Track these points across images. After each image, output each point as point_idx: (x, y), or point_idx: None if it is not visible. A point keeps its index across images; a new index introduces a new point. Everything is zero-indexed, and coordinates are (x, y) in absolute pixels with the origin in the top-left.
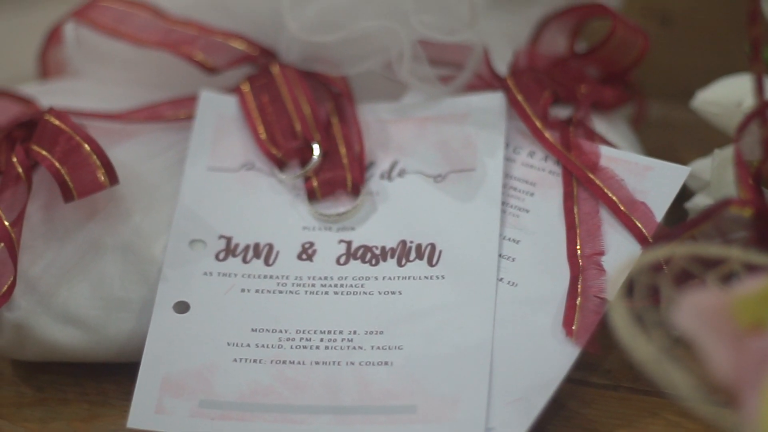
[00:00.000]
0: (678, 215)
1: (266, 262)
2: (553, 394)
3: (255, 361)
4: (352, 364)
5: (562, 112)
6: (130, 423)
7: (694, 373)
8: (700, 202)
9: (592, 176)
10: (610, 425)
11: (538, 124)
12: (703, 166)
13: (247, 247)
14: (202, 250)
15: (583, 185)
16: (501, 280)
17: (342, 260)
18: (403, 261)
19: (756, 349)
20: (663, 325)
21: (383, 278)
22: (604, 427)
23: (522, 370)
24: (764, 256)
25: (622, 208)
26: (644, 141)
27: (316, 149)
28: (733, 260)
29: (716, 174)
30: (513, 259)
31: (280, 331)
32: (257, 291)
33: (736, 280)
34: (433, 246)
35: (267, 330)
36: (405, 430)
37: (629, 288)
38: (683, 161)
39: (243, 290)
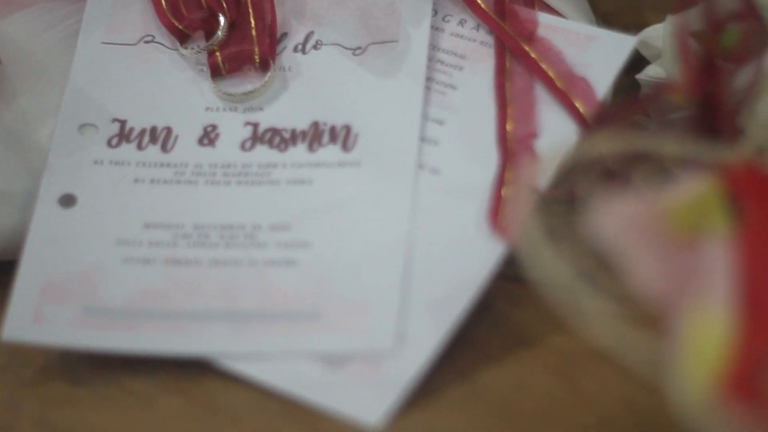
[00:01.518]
0: (631, 88)
1: (163, 148)
2: (476, 295)
3: (147, 261)
4: (254, 263)
5: None
6: (6, 335)
7: (613, 299)
8: (652, 73)
9: (527, 47)
10: (541, 330)
11: None
12: (656, 32)
13: (143, 132)
14: (93, 136)
15: (517, 58)
16: (422, 167)
17: (247, 145)
18: (315, 146)
19: (688, 262)
20: (581, 239)
21: (292, 165)
22: (535, 331)
23: (442, 269)
24: (706, 148)
25: (560, 84)
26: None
27: (222, 20)
28: (668, 155)
29: (669, 43)
30: (436, 143)
31: (176, 227)
32: (152, 181)
33: (671, 179)
34: (348, 128)
35: (161, 225)
36: (307, 339)
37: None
38: (646, 24)
39: (136, 180)
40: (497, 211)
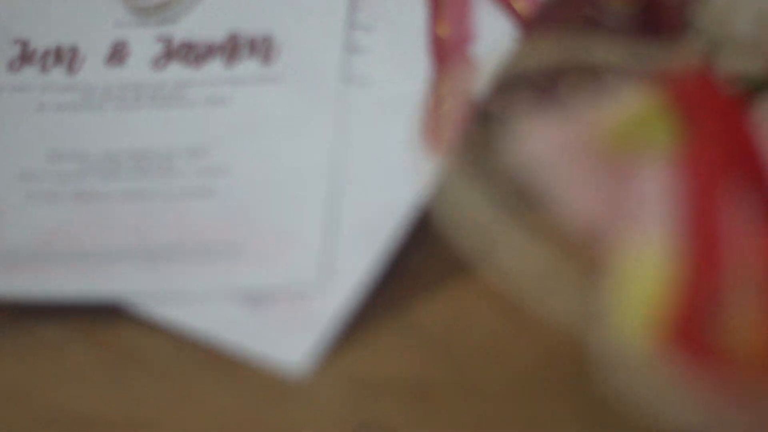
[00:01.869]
0: None
1: (69, 70)
2: (410, 219)
3: (53, 196)
4: (169, 194)
5: None
6: None
7: (537, 238)
8: None
9: None
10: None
11: None
12: None
13: (46, 53)
14: None
15: None
16: (349, 79)
17: (160, 63)
18: (233, 60)
19: (624, 188)
20: (505, 167)
21: (209, 83)
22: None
23: (372, 192)
24: (648, 52)
25: None
26: None
27: None
28: (604, 62)
29: None
30: (365, 52)
31: (84, 156)
32: (58, 107)
33: (607, 92)
34: (269, 40)
35: (68, 155)
36: (227, 276)
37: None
38: None
39: (41, 107)
40: (431, 126)
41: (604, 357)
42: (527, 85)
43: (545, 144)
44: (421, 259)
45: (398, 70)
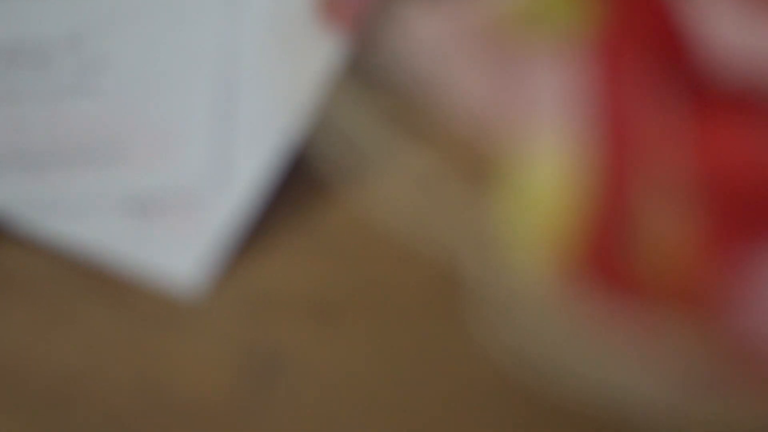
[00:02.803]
0: None
1: None
2: (314, 110)
3: None
4: (43, 92)
5: None
6: None
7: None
8: None
9: None
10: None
11: None
12: None
13: None
14: None
15: None
16: None
17: None
18: None
19: (524, 80)
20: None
21: None
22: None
23: (268, 80)
24: None
25: None
26: None
27: None
28: None
29: None
30: None
31: None
32: None
33: None
34: None
35: None
36: (111, 182)
37: None
38: None
39: None
40: (331, 2)
41: (486, 295)
42: None
43: (433, 29)
44: (327, 157)
45: None
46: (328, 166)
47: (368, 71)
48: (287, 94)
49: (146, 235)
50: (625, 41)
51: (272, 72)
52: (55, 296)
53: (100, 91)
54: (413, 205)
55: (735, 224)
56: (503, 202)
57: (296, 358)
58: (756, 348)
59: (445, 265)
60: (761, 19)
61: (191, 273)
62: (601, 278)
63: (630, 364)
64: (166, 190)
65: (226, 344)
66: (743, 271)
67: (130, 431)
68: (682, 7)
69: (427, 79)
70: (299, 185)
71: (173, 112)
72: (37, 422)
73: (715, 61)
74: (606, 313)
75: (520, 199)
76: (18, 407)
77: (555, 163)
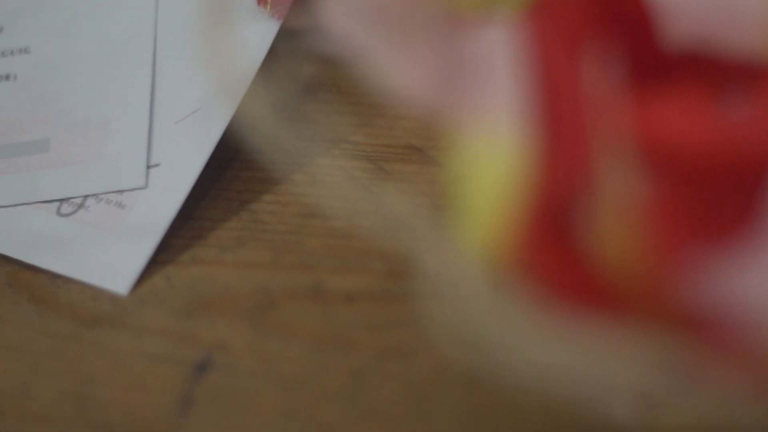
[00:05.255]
0: None
1: None
2: (245, 93)
3: None
4: None
5: None
6: None
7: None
8: None
9: None
10: (336, 135)
11: None
12: None
13: None
14: None
15: None
16: None
17: None
18: None
19: (458, 51)
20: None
21: None
22: (329, 137)
23: (198, 68)
24: None
25: None
26: None
27: None
28: None
29: None
30: None
31: None
32: None
33: None
34: None
35: None
36: (33, 177)
37: None
38: None
39: None
40: None
41: (433, 282)
42: None
43: (354, 3)
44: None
45: None
46: (262, 151)
47: (300, 49)
48: (216, 77)
49: (71, 234)
50: (559, 7)
51: (197, 54)
52: None
53: (21, 80)
54: (355, 190)
55: (684, 202)
56: (449, 182)
57: (231, 359)
58: (721, 334)
59: (390, 250)
60: None
61: (121, 271)
62: (544, 262)
63: (582, 351)
64: (92, 184)
65: (159, 345)
66: (700, 254)
67: None
68: None
69: (356, 53)
70: (232, 172)
71: (98, 101)
72: None
73: (660, 22)
74: (552, 300)
75: (463, 179)
76: None
77: (498, 140)
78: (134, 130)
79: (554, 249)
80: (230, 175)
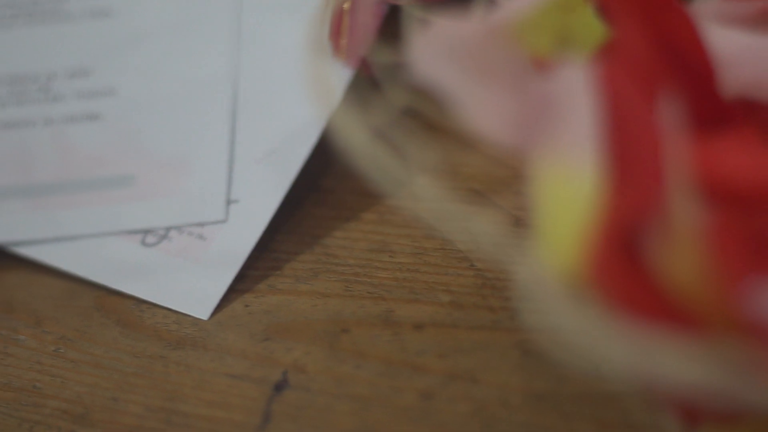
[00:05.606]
0: None
1: None
2: (320, 140)
3: None
4: (50, 122)
5: None
6: None
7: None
8: None
9: None
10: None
11: None
12: None
13: None
14: None
15: None
16: None
17: None
18: None
19: (538, 94)
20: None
21: None
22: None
23: (277, 111)
24: None
25: None
26: None
27: None
28: None
29: None
30: None
31: None
32: None
33: None
34: None
35: None
36: (119, 212)
37: None
38: None
39: None
40: (339, 29)
41: (528, 290)
42: None
43: (437, 46)
44: (335, 182)
45: None
46: (342, 182)
47: (376, 92)
48: (293, 118)
49: (156, 266)
50: (631, 54)
51: (277, 95)
52: (63, 318)
53: (106, 120)
54: (423, 229)
55: (740, 229)
56: (528, 211)
57: (306, 379)
58: None
59: (454, 283)
60: (760, 29)
61: (202, 300)
62: (616, 281)
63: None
64: (175, 218)
65: (239, 365)
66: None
67: None
68: (689, 20)
69: (442, 93)
70: (305, 209)
71: (180, 139)
72: None
73: (719, 71)
74: (624, 316)
75: (548, 210)
76: (38, 426)
77: (576, 171)
78: (215, 167)
79: (625, 269)
80: (303, 212)
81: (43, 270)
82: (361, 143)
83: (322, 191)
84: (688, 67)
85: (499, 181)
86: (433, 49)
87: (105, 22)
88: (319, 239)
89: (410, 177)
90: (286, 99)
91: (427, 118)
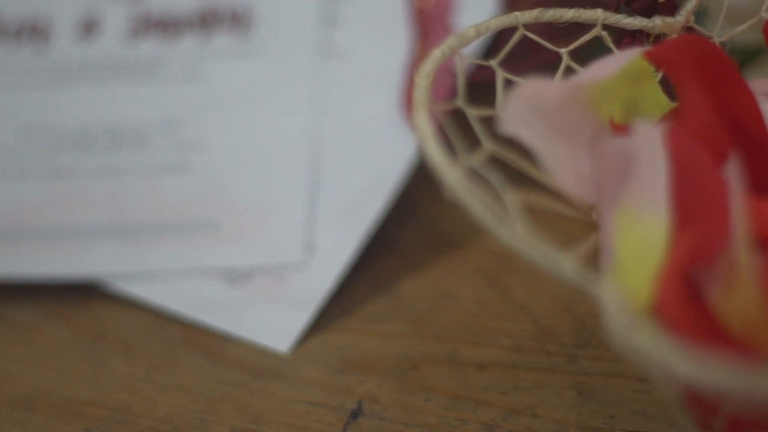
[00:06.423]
0: None
1: (42, 44)
2: (393, 194)
3: (24, 172)
4: (143, 169)
5: None
6: None
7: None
8: None
9: None
10: (471, 231)
11: None
12: None
13: (20, 31)
14: None
15: None
16: (327, 52)
17: (133, 39)
18: (209, 36)
19: (613, 152)
20: (490, 131)
21: (184, 60)
22: (464, 233)
23: (353, 167)
24: (636, 19)
25: None
26: None
27: None
28: (591, 21)
29: None
30: (343, 25)
31: (57, 132)
32: (31, 85)
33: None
34: (244, 14)
35: (41, 129)
36: (205, 254)
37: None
38: None
39: (13, 85)
40: (412, 98)
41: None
42: (521, 49)
43: (524, 106)
44: (407, 233)
45: (378, 41)
46: (416, 234)
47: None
48: (372, 177)
49: (237, 302)
50: (699, 120)
51: (356, 155)
52: (149, 352)
53: (195, 170)
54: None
55: None
56: (610, 254)
57: (379, 408)
58: None
59: (514, 329)
60: None
61: (281, 337)
62: (678, 318)
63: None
64: (257, 262)
65: (317, 394)
66: None
67: None
68: (749, 94)
69: (528, 148)
70: (382, 257)
71: (264, 190)
72: None
73: None
74: (690, 345)
75: (623, 252)
76: None
77: (650, 222)
78: (293, 215)
79: (690, 303)
80: (375, 259)
81: (132, 305)
82: (459, 181)
83: (393, 240)
84: (747, 136)
85: (577, 226)
86: (521, 108)
87: (196, 85)
88: (388, 285)
89: (505, 215)
90: (365, 157)
91: (514, 167)
